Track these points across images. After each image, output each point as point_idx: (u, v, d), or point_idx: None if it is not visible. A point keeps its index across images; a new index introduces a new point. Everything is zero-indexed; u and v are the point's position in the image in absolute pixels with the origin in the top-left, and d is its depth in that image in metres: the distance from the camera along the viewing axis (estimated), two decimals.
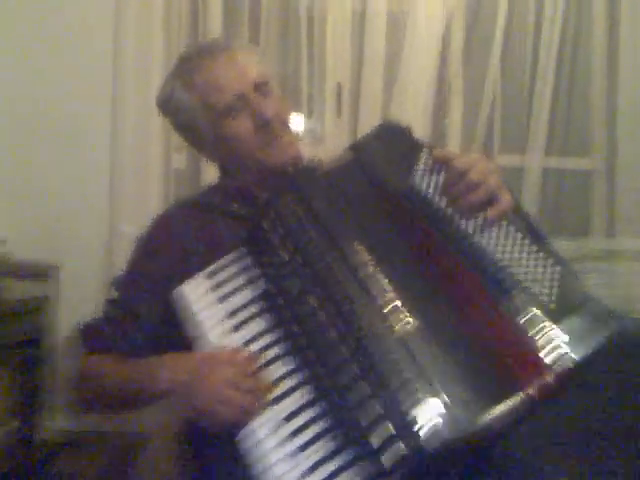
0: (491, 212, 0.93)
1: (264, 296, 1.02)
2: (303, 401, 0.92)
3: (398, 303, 0.90)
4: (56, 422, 1.53)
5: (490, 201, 0.94)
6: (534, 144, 1.89)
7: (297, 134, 1.23)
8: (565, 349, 0.83)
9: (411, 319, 0.88)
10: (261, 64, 1.20)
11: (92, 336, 1.17)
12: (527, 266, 0.89)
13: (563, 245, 1.86)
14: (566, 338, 0.83)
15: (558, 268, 0.89)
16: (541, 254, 0.90)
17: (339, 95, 1.83)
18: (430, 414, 0.81)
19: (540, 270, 0.89)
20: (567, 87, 1.93)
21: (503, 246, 0.91)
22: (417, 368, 0.84)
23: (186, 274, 1.06)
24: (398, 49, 1.84)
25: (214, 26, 1.78)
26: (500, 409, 0.81)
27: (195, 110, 1.17)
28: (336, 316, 0.92)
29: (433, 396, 0.82)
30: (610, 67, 1.91)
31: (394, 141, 1.06)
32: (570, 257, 1.85)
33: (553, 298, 0.87)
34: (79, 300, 1.62)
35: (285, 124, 1.17)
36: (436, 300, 0.91)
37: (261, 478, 0.88)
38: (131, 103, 1.72)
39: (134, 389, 1.06)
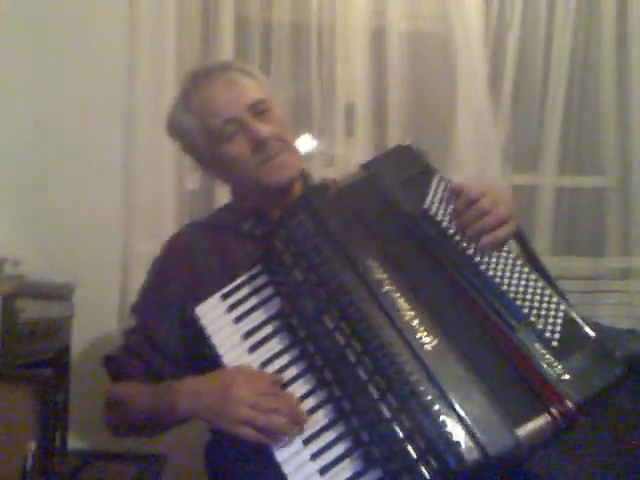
0: (491, 237, 0.95)
1: (279, 316, 1.02)
2: (324, 422, 0.93)
3: (415, 322, 0.89)
4: (75, 442, 1.55)
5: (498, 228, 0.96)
6: (547, 163, 1.88)
7: (298, 152, 1.23)
8: (565, 388, 0.84)
9: (429, 338, 0.88)
10: (259, 84, 1.20)
11: (114, 365, 1.20)
12: (532, 301, 0.90)
13: (578, 264, 1.87)
14: (567, 377, 0.84)
15: (562, 307, 0.90)
16: (547, 291, 0.91)
17: (350, 115, 1.84)
18: (458, 432, 0.81)
19: (545, 306, 0.90)
20: (578, 105, 1.92)
21: (509, 279, 0.93)
22: (438, 387, 0.84)
23: (201, 295, 1.07)
24: (419, 68, 1.85)
25: (226, 47, 1.80)
26: (529, 427, 0.82)
27: (194, 133, 1.19)
28: (352, 336, 0.92)
29: (457, 414, 0.82)
30: (621, 84, 1.91)
31: (407, 163, 1.06)
32: (585, 276, 1.88)
33: (556, 336, 0.88)
34: (94, 320, 1.66)
35: (285, 142, 1.17)
36: (452, 320, 0.91)
37: None
38: (144, 124, 1.73)
39: (156, 416, 1.07)
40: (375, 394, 0.87)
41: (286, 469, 0.90)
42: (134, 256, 1.70)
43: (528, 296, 0.91)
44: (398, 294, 0.91)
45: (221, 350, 1.01)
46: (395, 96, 1.83)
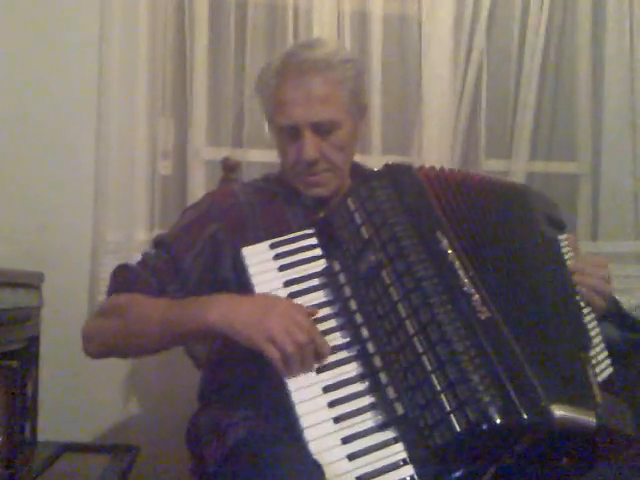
0: (599, 301, 1.10)
1: (324, 274, 1.04)
2: (349, 375, 0.95)
3: (472, 292, 0.93)
4: (46, 434, 1.52)
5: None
6: (519, 149, 1.88)
7: (342, 174, 1.23)
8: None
9: (484, 309, 0.92)
10: (341, 97, 1.18)
11: (125, 274, 1.17)
12: (595, 346, 1.06)
13: None
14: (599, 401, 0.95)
15: (610, 369, 1.06)
16: (606, 353, 1.08)
17: None
18: (492, 392, 0.84)
19: (602, 357, 1.06)
20: (552, 92, 1.93)
21: (587, 322, 1.08)
22: (483, 350, 0.88)
23: (242, 244, 1.08)
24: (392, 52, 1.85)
25: (201, 28, 1.77)
26: (567, 411, 0.88)
27: (263, 104, 1.24)
28: (409, 292, 0.94)
29: (496, 376, 0.86)
30: (595, 71, 1.92)
31: (554, 210, 1.23)
32: None
33: (601, 377, 1.02)
34: (64, 309, 1.63)
35: (331, 164, 1.19)
36: (515, 305, 0.98)
37: (302, 434, 0.91)
38: (116, 110, 1.69)
39: (170, 327, 1.03)
40: (420, 348, 0.90)
41: (300, 411, 0.91)
42: (104, 244, 1.68)
43: (595, 341, 1.06)
44: (461, 267, 0.95)
45: (259, 291, 1.02)
46: (372, 80, 1.81)
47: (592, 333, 1.07)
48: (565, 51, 1.93)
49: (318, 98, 1.16)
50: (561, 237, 1.16)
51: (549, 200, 1.27)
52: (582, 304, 1.09)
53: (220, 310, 0.98)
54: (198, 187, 1.75)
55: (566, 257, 1.13)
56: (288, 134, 1.19)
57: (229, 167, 1.63)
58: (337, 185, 1.22)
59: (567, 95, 1.94)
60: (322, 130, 1.17)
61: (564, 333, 1.01)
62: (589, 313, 1.09)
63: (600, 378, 1.01)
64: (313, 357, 0.95)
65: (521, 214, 1.13)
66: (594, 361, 1.02)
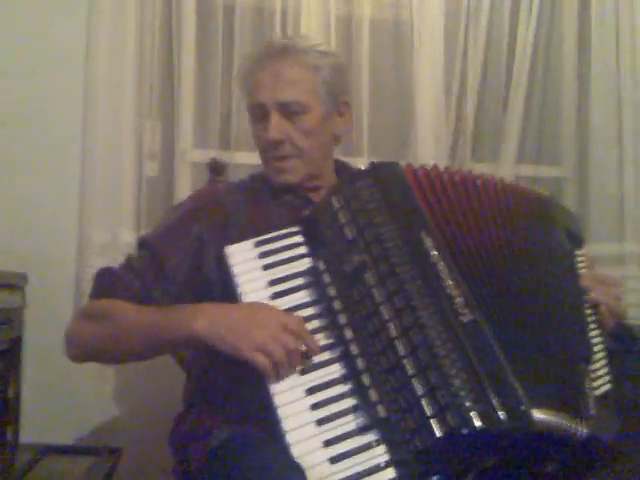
0: (612, 318, 1.12)
1: (309, 273, 1.03)
2: (332, 377, 0.95)
3: (455, 294, 0.93)
4: (28, 437, 1.51)
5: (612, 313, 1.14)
6: (507, 153, 1.90)
7: (311, 161, 1.21)
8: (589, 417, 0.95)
9: (467, 312, 0.92)
10: (313, 83, 1.19)
11: (108, 278, 1.15)
12: (596, 362, 1.06)
13: None
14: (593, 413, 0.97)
15: (610, 386, 1.06)
16: (609, 369, 1.08)
17: None
18: (472, 397, 0.85)
19: (602, 371, 1.06)
20: (539, 98, 1.95)
21: (592, 334, 1.09)
22: (464, 353, 0.88)
23: (226, 243, 1.07)
24: (382, 56, 1.86)
25: (188, 31, 1.77)
26: (552, 416, 0.90)
27: (245, 94, 1.25)
28: (392, 294, 0.94)
29: (477, 379, 0.86)
30: (581, 78, 1.95)
31: (575, 224, 1.24)
32: None
33: (599, 391, 1.03)
34: (48, 311, 1.62)
35: (298, 150, 1.19)
36: (504, 310, 0.97)
37: (284, 438, 0.90)
38: (103, 111, 1.69)
39: (154, 335, 1.03)
40: (402, 351, 0.90)
41: (282, 413, 0.91)
42: (90, 245, 1.67)
43: (598, 356, 1.07)
44: (444, 270, 0.95)
45: (243, 290, 1.00)
46: (360, 84, 1.82)
47: (596, 348, 1.07)
48: (552, 57, 1.96)
49: (287, 79, 1.17)
50: (578, 252, 1.17)
51: (572, 214, 1.27)
52: (589, 319, 1.09)
53: (206, 319, 0.97)
54: (184, 188, 1.74)
55: (579, 272, 1.14)
56: (257, 116, 1.20)
57: (216, 169, 1.64)
58: (305, 173, 1.21)
59: (554, 99, 1.96)
60: (289, 112, 1.17)
61: (564, 343, 1.01)
62: (596, 328, 1.10)
63: (598, 392, 1.02)
64: (302, 360, 0.95)
65: (532, 223, 1.12)
66: (593, 375, 1.03)
